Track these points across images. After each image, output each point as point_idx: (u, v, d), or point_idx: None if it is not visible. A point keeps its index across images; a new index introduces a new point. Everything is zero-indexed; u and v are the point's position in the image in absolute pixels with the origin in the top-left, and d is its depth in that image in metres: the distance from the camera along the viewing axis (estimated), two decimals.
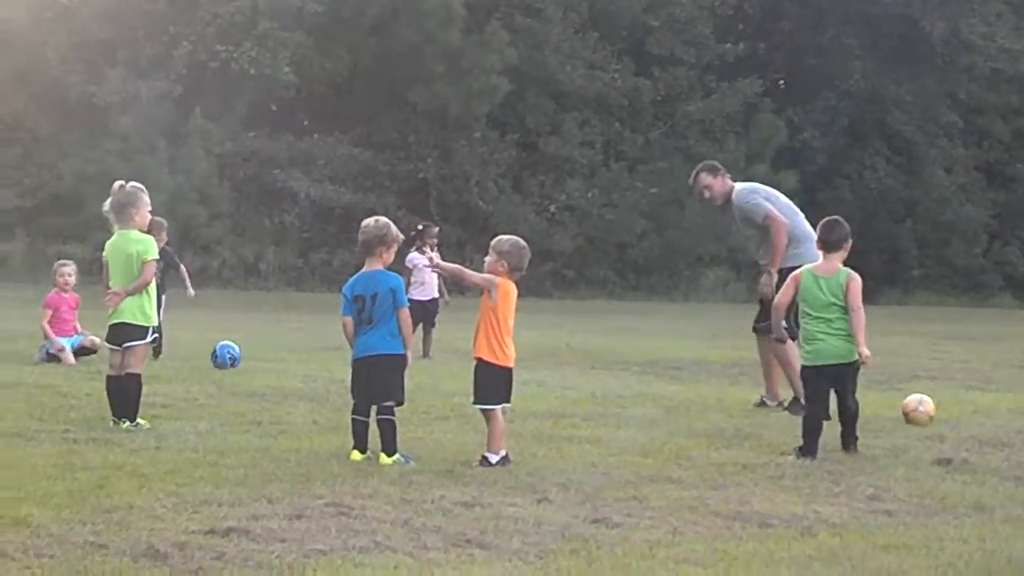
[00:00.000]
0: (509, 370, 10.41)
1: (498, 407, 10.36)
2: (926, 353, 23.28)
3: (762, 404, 14.36)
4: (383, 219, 10.74)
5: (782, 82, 52.84)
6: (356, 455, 10.30)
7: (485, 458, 10.18)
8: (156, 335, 11.87)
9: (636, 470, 10.26)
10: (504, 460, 10.17)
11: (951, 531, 8.49)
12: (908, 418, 13.18)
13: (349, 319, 10.50)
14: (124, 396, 11.57)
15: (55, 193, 39.04)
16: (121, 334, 11.68)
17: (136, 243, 11.70)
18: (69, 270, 17.48)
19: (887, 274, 49.89)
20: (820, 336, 11.31)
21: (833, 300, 11.31)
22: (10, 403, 12.75)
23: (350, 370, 10.68)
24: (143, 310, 11.67)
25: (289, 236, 42.06)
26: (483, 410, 10.37)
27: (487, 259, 10.60)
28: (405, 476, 9.59)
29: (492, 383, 10.38)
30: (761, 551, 7.76)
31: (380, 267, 10.53)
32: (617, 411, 13.57)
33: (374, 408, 10.41)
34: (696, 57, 49.42)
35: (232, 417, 12.32)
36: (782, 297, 11.72)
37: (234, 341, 17.09)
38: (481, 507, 8.65)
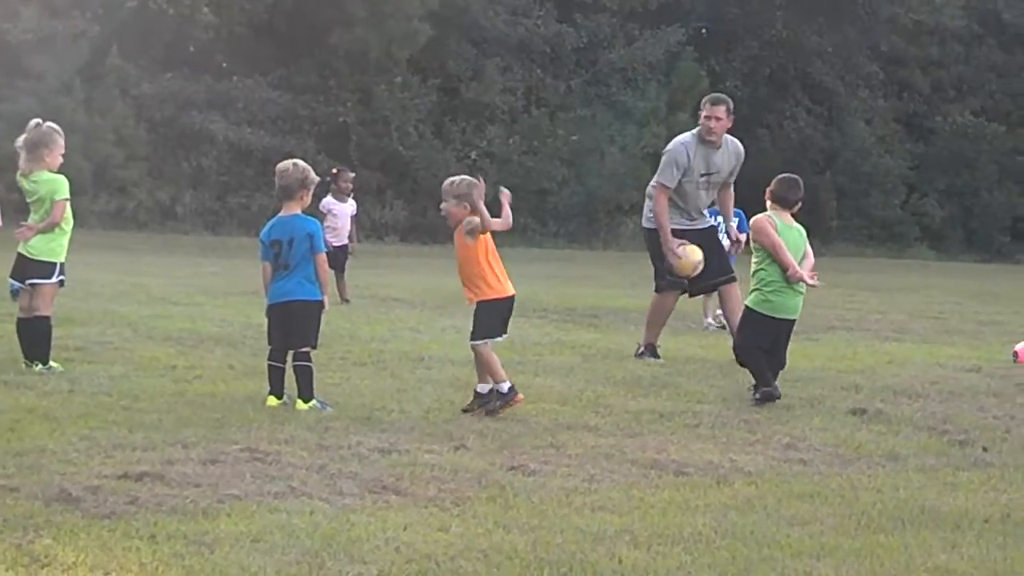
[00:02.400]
0: (511, 298, 10.34)
1: (497, 339, 10.37)
2: (843, 303, 23.44)
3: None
4: (301, 162, 10.63)
5: (704, 30, 52.83)
6: (272, 401, 10.24)
7: (497, 392, 10.24)
8: (63, 276, 11.65)
9: (553, 418, 10.27)
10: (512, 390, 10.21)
11: (865, 480, 8.57)
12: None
13: (268, 264, 10.41)
14: (34, 338, 11.42)
15: None
16: (25, 268, 11.50)
17: (47, 183, 11.52)
18: None
19: (806, 225, 48.78)
20: (788, 290, 11.53)
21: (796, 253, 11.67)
22: None
23: (266, 316, 10.58)
24: (50, 248, 11.48)
25: (207, 179, 41.68)
26: (478, 346, 10.36)
27: (444, 205, 10.60)
28: (321, 422, 9.54)
29: (496, 316, 10.43)
30: (677, 499, 7.79)
31: (298, 211, 10.43)
32: (535, 359, 13.57)
33: (291, 354, 10.33)
34: (619, 4, 49.31)
35: (147, 361, 12.22)
36: (777, 239, 11.64)
37: None
38: (398, 454, 8.63)
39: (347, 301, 19.01)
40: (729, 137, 14.49)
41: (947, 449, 9.79)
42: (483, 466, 8.44)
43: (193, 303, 17.96)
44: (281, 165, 10.58)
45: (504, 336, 10.53)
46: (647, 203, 14.32)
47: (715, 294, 16.99)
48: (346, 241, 19.86)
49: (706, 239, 14.26)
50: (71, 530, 6.53)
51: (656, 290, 14.29)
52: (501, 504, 7.50)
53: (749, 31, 51.87)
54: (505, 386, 10.22)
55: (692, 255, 13.75)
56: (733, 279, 14.24)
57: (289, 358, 10.33)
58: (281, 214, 10.47)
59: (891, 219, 52.20)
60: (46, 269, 11.46)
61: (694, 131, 14.37)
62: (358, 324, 15.89)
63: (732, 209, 15.05)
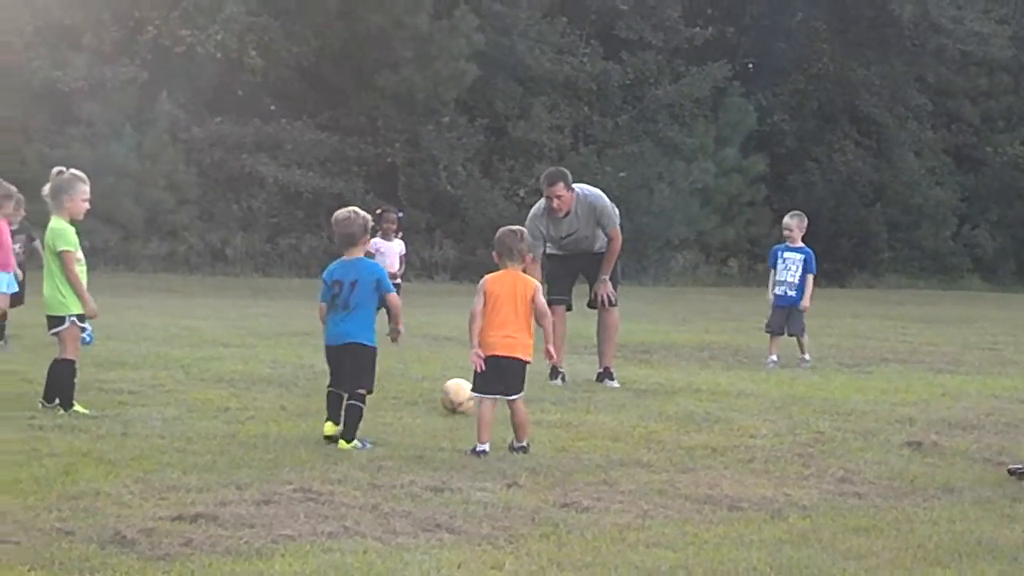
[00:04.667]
0: (485, 359, 10.27)
1: (480, 396, 10.28)
2: (895, 336, 23.32)
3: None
4: (359, 210, 10.84)
5: (751, 65, 52.80)
6: (330, 427, 10.36)
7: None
8: (72, 320, 11.65)
9: (606, 454, 10.25)
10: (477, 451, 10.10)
11: (920, 513, 8.50)
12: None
13: (324, 305, 10.53)
14: (55, 381, 11.50)
15: (19, 179, 38.67)
16: (49, 323, 11.64)
17: (52, 232, 11.55)
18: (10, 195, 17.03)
19: (856, 257, 49.97)
20: None
21: None
22: None
23: (327, 357, 10.68)
24: (58, 300, 11.51)
25: (256, 221, 41.84)
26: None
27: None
28: (374, 461, 9.55)
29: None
30: (731, 534, 7.75)
31: (362, 255, 10.65)
32: (587, 395, 13.55)
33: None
34: (665, 41, 49.33)
35: (199, 403, 12.26)
36: None
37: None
38: (450, 492, 8.63)
39: (396, 342, 18.96)
40: (580, 193, 15.05)
41: (1003, 481, 9.71)
42: (536, 503, 8.42)
43: (245, 345, 18.01)
44: (341, 215, 10.73)
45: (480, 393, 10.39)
46: None
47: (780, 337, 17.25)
48: (397, 279, 19.90)
49: (597, 263, 15.24)
50: (126, 572, 6.55)
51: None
52: (555, 541, 7.48)
53: (796, 65, 51.79)
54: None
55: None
56: (611, 303, 15.29)
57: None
58: (344, 257, 10.61)
59: (942, 250, 51.90)
60: (58, 321, 11.51)
61: (543, 203, 14.99)
62: (409, 363, 15.90)
63: (609, 259, 15.37)
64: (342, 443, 10.18)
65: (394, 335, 10.81)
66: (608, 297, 15.28)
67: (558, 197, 14.74)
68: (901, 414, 12.68)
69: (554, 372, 14.52)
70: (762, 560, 7.10)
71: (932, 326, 26.54)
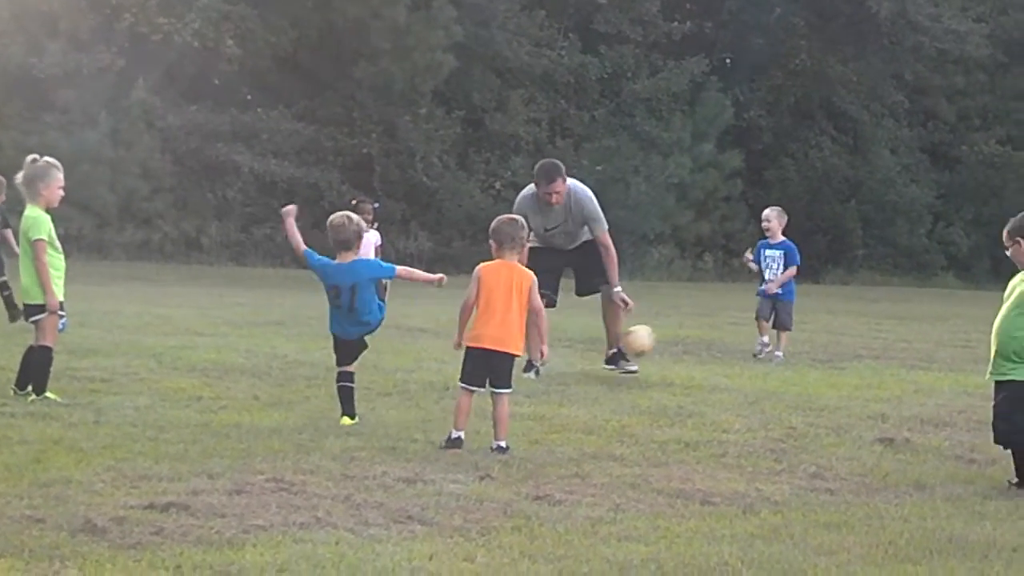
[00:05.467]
0: (469, 349, 10.26)
1: (465, 387, 10.25)
2: (869, 332, 23.38)
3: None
4: (352, 215, 11.12)
5: (728, 60, 52.81)
6: (347, 421, 10.76)
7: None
8: (62, 313, 11.66)
9: (578, 447, 10.25)
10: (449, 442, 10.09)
11: (892, 509, 8.53)
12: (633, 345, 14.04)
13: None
14: (30, 367, 11.49)
15: None
16: (26, 310, 11.63)
17: (26, 221, 11.52)
18: None
19: (831, 253, 50.07)
20: None
21: None
22: None
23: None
24: (37, 289, 11.48)
25: (232, 210, 41.74)
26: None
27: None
28: (347, 452, 9.55)
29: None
30: (703, 528, 7.76)
31: (356, 258, 10.97)
32: (560, 388, 13.55)
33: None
34: (643, 35, 49.34)
35: (172, 392, 12.23)
36: None
37: None
38: (423, 483, 8.63)
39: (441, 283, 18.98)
40: (571, 188, 15.10)
41: (974, 478, 9.74)
42: (508, 496, 8.42)
43: (218, 334, 17.97)
44: (336, 220, 10.97)
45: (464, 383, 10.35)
46: None
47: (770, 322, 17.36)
48: None
49: (581, 252, 15.22)
50: (97, 561, 6.53)
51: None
52: (527, 534, 7.48)
53: (773, 61, 51.86)
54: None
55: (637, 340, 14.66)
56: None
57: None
58: (338, 261, 10.88)
59: (917, 248, 52.03)
60: (38, 309, 11.48)
61: (534, 191, 15.02)
62: (383, 354, 15.86)
63: (611, 268, 15.33)
64: (345, 420, 10.70)
65: (438, 283, 11.14)
66: (625, 302, 15.23)
67: (556, 193, 14.78)
68: (873, 410, 12.72)
69: (529, 366, 14.50)
70: (733, 555, 7.11)
71: (906, 323, 26.62)
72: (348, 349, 11.04)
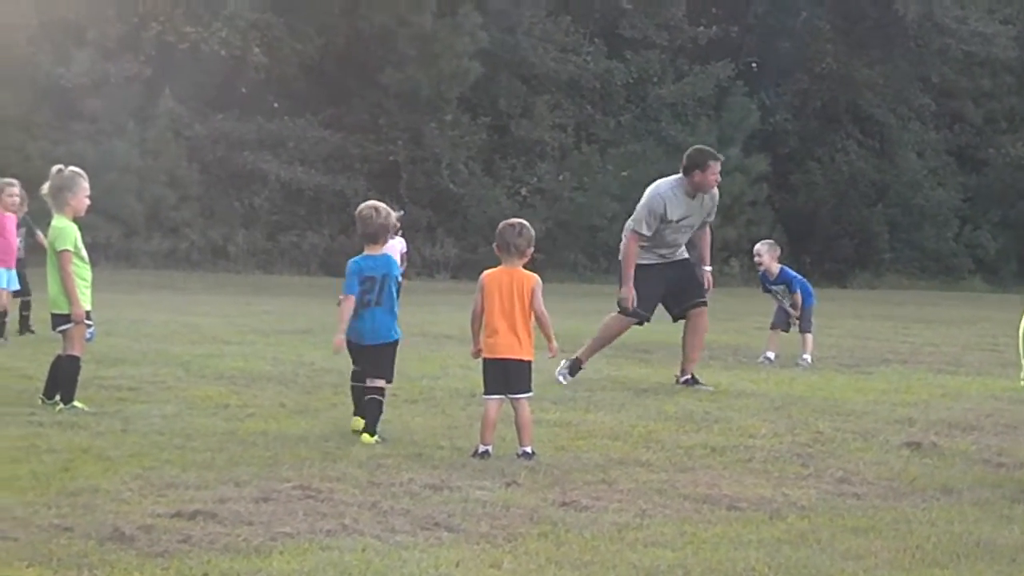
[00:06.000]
0: (484, 360, 10.24)
1: (486, 398, 10.23)
2: (896, 336, 23.32)
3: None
4: (382, 206, 10.96)
5: (754, 65, 52.82)
6: (357, 422, 10.57)
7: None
8: (89, 323, 11.71)
9: (605, 453, 10.24)
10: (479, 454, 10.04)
11: (919, 514, 8.49)
12: None
13: (352, 297, 10.58)
14: (58, 376, 11.53)
15: (22, 175, 38.69)
16: (52, 320, 11.68)
17: (53, 231, 11.57)
18: (14, 190, 17.09)
19: (858, 257, 49.98)
20: None
21: None
22: None
23: (350, 351, 10.81)
24: (61, 298, 11.52)
25: (258, 218, 41.89)
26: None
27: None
28: (373, 459, 9.56)
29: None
30: (730, 534, 7.75)
31: (384, 251, 10.84)
32: (586, 394, 13.54)
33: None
34: (668, 40, 49.38)
35: (199, 400, 12.26)
36: None
37: None
38: (449, 490, 8.63)
39: None
40: None
41: (1002, 482, 9.70)
42: (535, 502, 8.42)
43: (245, 342, 18.02)
44: (364, 211, 10.83)
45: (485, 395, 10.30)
46: (623, 239, 14.59)
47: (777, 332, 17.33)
48: (399, 279, 19.93)
49: (679, 269, 14.87)
50: (125, 569, 6.55)
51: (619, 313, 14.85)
52: (553, 540, 7.47)
53: (799, 65, 51.82)
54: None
55: None
56: (704, 304, 15.04)
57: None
58: (368, 252, 10.74)
59: (944, 251, 51.90)
60: (65, 319, 11.53)
61: (676, 180, 14.72)
62: (409, 361, 15.88)
63: (708, 249, 15.32)
64: (365, 437, 10.33)
65: None
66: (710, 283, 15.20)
67: (717, 176, 14.61)
68: (901, 415, 12.68)
69: (576, 366, 14.55)
70: (760, 560, 7.10)
71: (933, 327, 26.54)
72: (372, 356, 10.73)
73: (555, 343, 10.35)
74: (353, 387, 10.84)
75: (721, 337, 20.95)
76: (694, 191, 14.59)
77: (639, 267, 14.59)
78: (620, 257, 14.68)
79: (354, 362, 10.88)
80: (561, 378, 14.40)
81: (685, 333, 15.00)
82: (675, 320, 15.25)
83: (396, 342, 10.82)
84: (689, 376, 14.70)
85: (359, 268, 10.65)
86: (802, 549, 7.41)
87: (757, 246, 18.18)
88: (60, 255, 11.42)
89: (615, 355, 17.87)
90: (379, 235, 10.75)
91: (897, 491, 9.26)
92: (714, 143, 47.64)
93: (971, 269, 52.40)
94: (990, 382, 15.77)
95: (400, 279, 19.85)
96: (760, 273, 18.08)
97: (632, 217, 14.70)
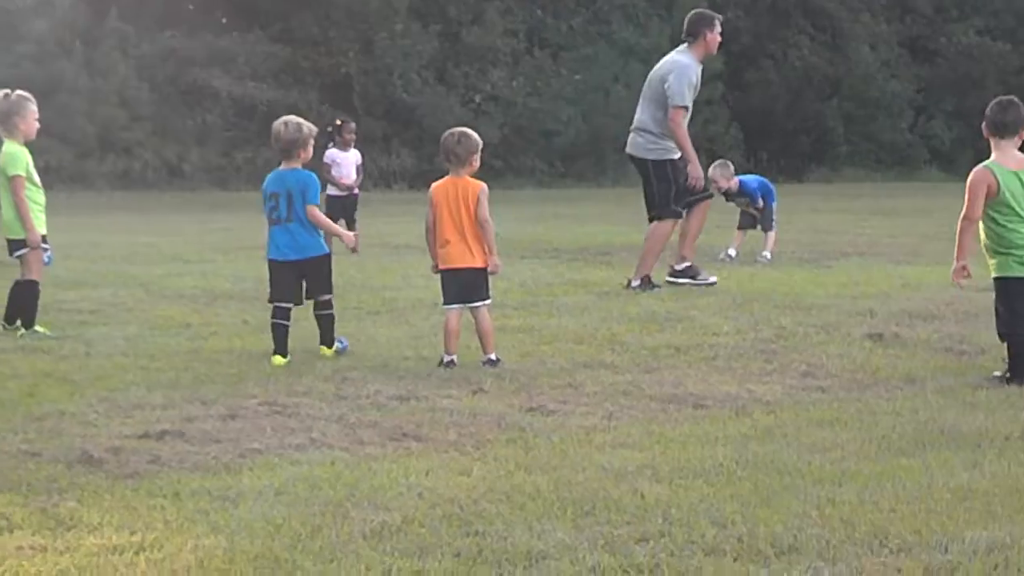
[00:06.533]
0: (440, 271, 10.22)
1: (446, 307, 10.21)
2: (854, 229, 23.42)
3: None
4: (293, 119, 10.52)
5: None
6: (279, 360, 10.15)
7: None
8: (46, 247, 11.62)
9: (570, 357, 10.27)
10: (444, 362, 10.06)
11: (884, 404, 8.56)
12: None
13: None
14: (18, 301, 11.48)
15: None
16: (10, 246, 11.61)
17: (4, 157, 11.44)
18: None
19: (814, 152, 50.04)
20: None
21: None
22: None
23: (269, 271, 10.56)
24: (15, 224, 11.46)
25: (212, 135, 41.64)
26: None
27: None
28: (339, 372, 9.56)
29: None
30: (697, 432, 7.79)
31: (298, 166, 10.38)
32: (549, 299, 13.56)
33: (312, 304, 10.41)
34: None
35: (161, 320, 12.24)
36: (975, 212, 9.66)
37: None
38: (416, 400, 8.65)
39: (356, 251, 19.02)
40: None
41: (965, 369, 9.78)
42: (502, 409, 8.45)
43: (205, 260, 17.96)
44: (274, 127, 10.52)
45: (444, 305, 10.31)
46: (640, 135, 14.43)
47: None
48: (354, 190, 19.86)
49: (681, 165, 14.54)
50: (95, 491, 6.55)
51: (658, 218, 14.44)
52: (521, 445, 7.50)
53: None
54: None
55: None
56: (710, 196, 14.98)
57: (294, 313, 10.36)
58: (280, 168, 10.45)
59: (899, 143, 52.00)
60: (21, 243, 11.46)
61: (686, 50, 14.53)
62: (370, 273, 15.89)
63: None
64: (324, 350, 10.25)
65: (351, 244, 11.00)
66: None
67: (722, 36, 14.59)
68: (862, 307, 12.75)
69: (647, 282, 14.25)
70: (728, 456, 7.14)
71: (891, 218, 26.65)
72: (282, 277, 10.41)
73: (496, 257, 10.16)
74: (274, 325, 10.26)
75: (677, 237, 20.96)
76: (704, 54, 14.50)
77: (667, 163, 14.36)
78: (650, 148, 14.39)
79: (273, 287, 10.46)
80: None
81: (690, 222, 14.75)
82: (681, 215, 14.81)
83: (326, 255, 10.48)
84: (690, 263, 14.70)
85: (265, 186, 10.45)
86: (769, 444, 7.46)
87: (709, 171, 17.83)
88: (12, 180, 11.32)
89: (575, 259, 17.93)
90: (290, 149, 10.33)
91: (861, 383, 9.33)
92: (667, 44, 47.64)
93: (927, 159, 52.54)
94: (949, 271, 15.82)
95: (356, 191, 19.93)
96: (721, 191, 17.98)
97: (669, 95, 14.27)
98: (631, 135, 14.77)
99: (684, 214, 14.60)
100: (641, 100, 14.73)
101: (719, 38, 14.53)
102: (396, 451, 7.41)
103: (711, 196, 15.05)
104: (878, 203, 32.88)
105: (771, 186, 18.36)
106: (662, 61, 14.86)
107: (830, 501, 6.29)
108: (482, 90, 45.54)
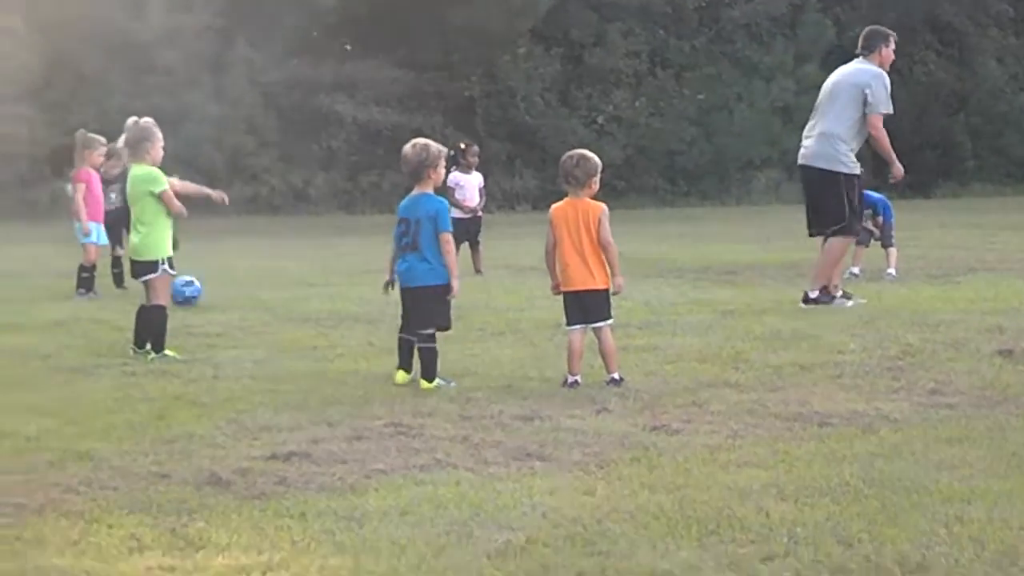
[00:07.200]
0: (565, 293, 10.23)
1: (568, 329, 10.22)
2: (983, 245, 23.09)
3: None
4: (421, 141, 10.54)
5: None
6: (401, 376, 10.23)
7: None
8: (164, 267, 11.77)
9: (694, 376, 10.24)
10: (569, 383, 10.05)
11: (1014, 421, 8.43)
12: None
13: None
14: (147, 326, 11.66)
15: (102, 131, 38.94)
16: (136, 269, 11.83)
17: (142, 178, 11.67)
18: (102, 149, 17.37)
19: (941, 167, 49.44)
20: None
21: None
22: (69, 339, 12.84)
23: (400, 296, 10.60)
24: (147, 245, 11.66)
25: (337, 160, 42.04)
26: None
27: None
28: (463, 393, 9.60)
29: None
30: (822, 450, 7.72)
31: (429, 190, 10.41)
32: (672, 318, 13.53)
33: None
34: None
35: (288, 343, 12.36)
36: None
37: (195, 278, 15.94)
38: (540, 420, 8.66)
39: (480, 272, 19.15)
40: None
41: None
42: (626, 428, 8.43)
43: (330, 283, 18.13)
44: (404, 149, 10.56)
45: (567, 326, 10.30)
46: (828, 142, 14.24)
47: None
48: (477, 212, 20.04)
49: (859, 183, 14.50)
50: (223, 512, 6.63)
51: (842, 233, 14.34)
52: (645, 465, 7.48)
53: None
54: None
55: None
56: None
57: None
58: (413, 192, 10.47)
59: None
60: (150, 267, 11.65)
61: (864, 62, 14.61)
62: (494, 294, 15.94)
63: None
64: (423, 383, 10.04)
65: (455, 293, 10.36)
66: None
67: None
68: (991, 323, 12.57)
69: (825, 293, 14.21)
70: (854, 475, 7.07)
71: (1020, 233, 26.23)
72: (413, 302, 10.29)
73: (620, 277, 10.23)
74: (400, 339, 10.35)
75: (807, 255, 20.80)
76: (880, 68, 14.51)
77: (855, 177, 14.27)
78: (842, 161, 14.21)
79: (401, 312, 10.48)
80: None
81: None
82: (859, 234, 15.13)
83: (440, 287, 10.20)
84: (822, 288, 14.45)
85: (399, 210, 10.45)
86: (896, 462, 7.38)
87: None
88: (163, 196, 11.57)
89: (698, 278, 17.87)
90: (419, 172, 10.29)
91: (990, 399, 9.20)
92: (790, 62, 47.48)
93: None
94: None
95: (479, 214, 20.05)
96: None
97: (871, 102, 14.23)
98: (812, 143, 14.50)
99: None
100: (823, 109, 14.60)
101: (893, 55, 14.49)
102: (520, 471, 7.42)
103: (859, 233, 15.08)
104: (1007, 218, 32.38)
105: (888, 203, 18.18)
106: (848, 72, 14.72)
107: (959, 519, 6.21)
108: (604, 111, 45.53)
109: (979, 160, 50.79)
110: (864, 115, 14.22)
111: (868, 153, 15.07)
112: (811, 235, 14.64)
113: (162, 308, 11.65)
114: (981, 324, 12.52)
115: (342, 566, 5.73)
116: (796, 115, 46.21)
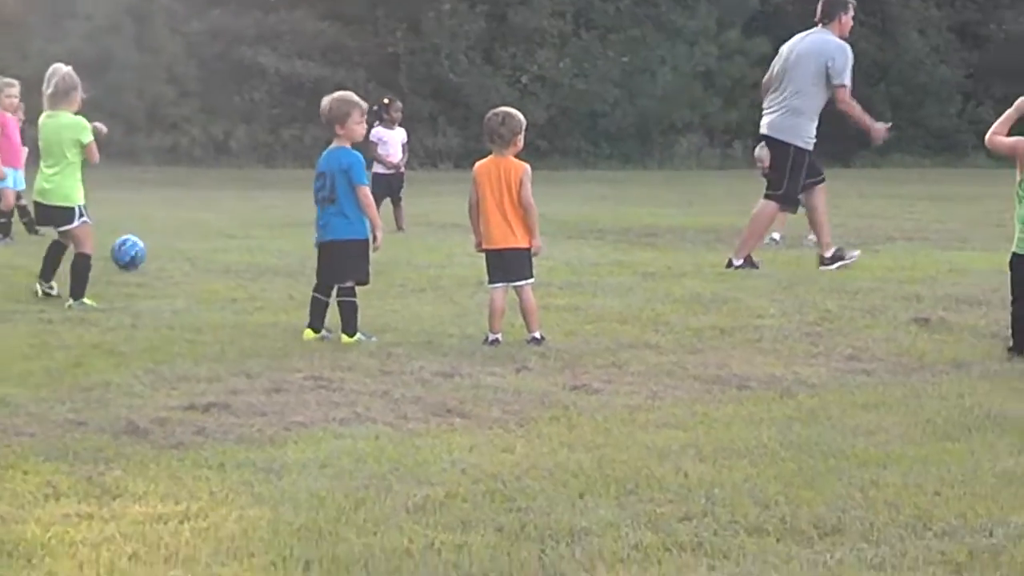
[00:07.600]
0: (486, 251, 10.22)
1: (490, 286, 10.22)
2: (901, 214, 23.30)
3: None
4: (338, 94, 10.46)
5: None
6: (309, 333, 10.13)
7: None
8: (84, 217, 11.69)
9: (614, 337, 10.28)
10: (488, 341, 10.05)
11: (929, 388, 8.53)
12: None
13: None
14: (74, 274, 11.55)
15: (20, 74, 38.49)
16: (46, 215, 11.71)
17: (73, 126, 11.56)
18: (14, 90, 17.11)
19: (861, 137, 49.45)
20: None
21: None
22: None
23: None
24: (64, 193, 11.57)
25: (259, 113, 41.74)
26: None
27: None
28: (383, 348, 9.60)
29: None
30: (741, 413, 7.79)
31: (346, 144, 10.32)
32: (594, 279, 13.56)
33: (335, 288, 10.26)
34: None
35: (208, 294, 12.30)
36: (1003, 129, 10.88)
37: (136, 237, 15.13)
38: (460, 377, 8.67)
39: (402, 229, 19.10)
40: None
41: (1011, 355, 9.72)
42: (546, 387, 8.46)
43: (251, 236, 18.03)
44: (322, 102, 10.47)
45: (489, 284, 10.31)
46: (789, 116, 14.35)
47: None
48: (400, 169, 20.00)
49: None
50: (140, 461, 6.60)
51: (777, 201, 14.60)
52: (565, 423, 7.51)
53: None
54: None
55: None
56: (823, 179, 14.85)
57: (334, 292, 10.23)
58: (330, 147, 10.41)
59: (947, 128, 51.65)
60: (65, 214, 11.56)
61: (824, 30, 14.62)
62: (415, 251, 15.91)
63: None
64: (344, 338, 10.01)
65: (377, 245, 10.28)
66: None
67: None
68: (908, 291, 12.69)
69: (749, 262, 14.34)
70: (772, 438, 7.13)
71: (938, 204, 26.51)
72: (330, 257, 10.23)
73: (538, 239, 10.18)
74: (313, 297, 10.25)
75: (727, 219, 20.94)
76: (839, 36, 14.54)
77: (806, 152, 14.42)
78: (798, 135, 14.40)
79: (317, 271, 10.36)
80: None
81: (818, 210, 14.83)
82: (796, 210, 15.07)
83: (352, 240, 10.14)
84: (834, 250, 14.66)
85: (318, 163, 10.38)
86: (813, 426, 7.45)
87: (757, 151, 17.66)
88: (89, 147, 11.48)
89: (620, 240, 17.93)
90: (332, 122, 10.22)
91: (907, 366, 9.30)
92: (713, 27, 47.53)
93: (975, 145, 51.98)
94: (996, 257, 15.67)
95: (402, 170, 20.01)
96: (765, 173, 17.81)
97: (834, 73, 14.42)
98: (777, 116, 14.65)
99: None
100: (782, 81, 14.64)
101: (851, 22, 14.52)
102: (440, 427, 7.43)
103: (824, 180, 14.91)
104: (926, 188, 32.71)
105: None
106: (808, 41, 14.65)
107: (874, 484, 6.28)
108: (528, 71, 45.43)
109: (899, 130, 51.00)
110: (828, 90, 14.31)
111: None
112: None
113: (87, 256, 11.56)
114: (898, 292, 12.64)
115: (260, 517, 5.71)
116: (718, 80, 46.43)
